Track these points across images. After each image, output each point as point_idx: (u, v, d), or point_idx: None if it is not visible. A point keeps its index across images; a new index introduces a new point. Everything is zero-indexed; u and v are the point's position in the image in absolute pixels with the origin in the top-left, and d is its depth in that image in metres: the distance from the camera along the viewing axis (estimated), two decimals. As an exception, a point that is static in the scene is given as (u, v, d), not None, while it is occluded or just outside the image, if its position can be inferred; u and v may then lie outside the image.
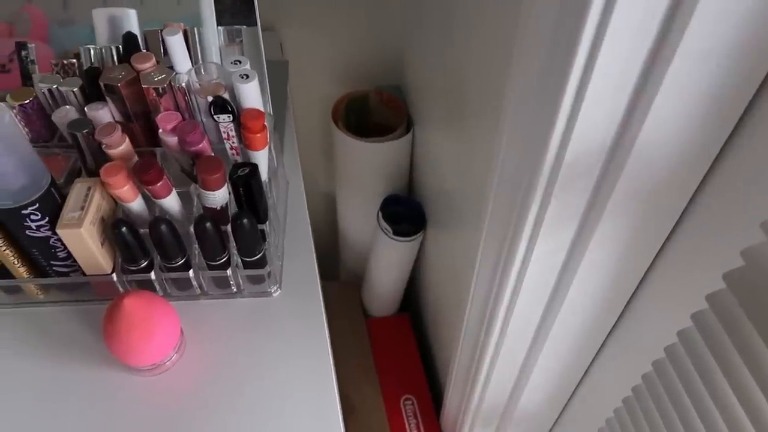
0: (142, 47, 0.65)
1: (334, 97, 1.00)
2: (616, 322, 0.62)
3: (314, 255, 0.68)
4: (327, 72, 1.02)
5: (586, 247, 0.51)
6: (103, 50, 0.66)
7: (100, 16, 0.67)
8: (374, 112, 1.04)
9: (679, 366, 0.47)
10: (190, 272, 0.59)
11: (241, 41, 0.67)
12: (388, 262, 1.05)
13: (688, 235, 0.49)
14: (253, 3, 0.62)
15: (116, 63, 0.66)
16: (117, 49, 0.66)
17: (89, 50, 0.66)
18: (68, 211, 0.54)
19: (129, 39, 0.64)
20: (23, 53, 0.66)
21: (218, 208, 0.58)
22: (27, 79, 0.66)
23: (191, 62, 0.61)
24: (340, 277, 1.30)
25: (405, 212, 1.02)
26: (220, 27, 0.65)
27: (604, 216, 0.48)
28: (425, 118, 0.92)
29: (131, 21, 0.67)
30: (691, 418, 0.46)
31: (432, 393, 1.08)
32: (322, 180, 1.19)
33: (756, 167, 0.39)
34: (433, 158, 0.91)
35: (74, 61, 0.65)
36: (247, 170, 0.57)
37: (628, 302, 0.59)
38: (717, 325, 0.40)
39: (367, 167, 1.00)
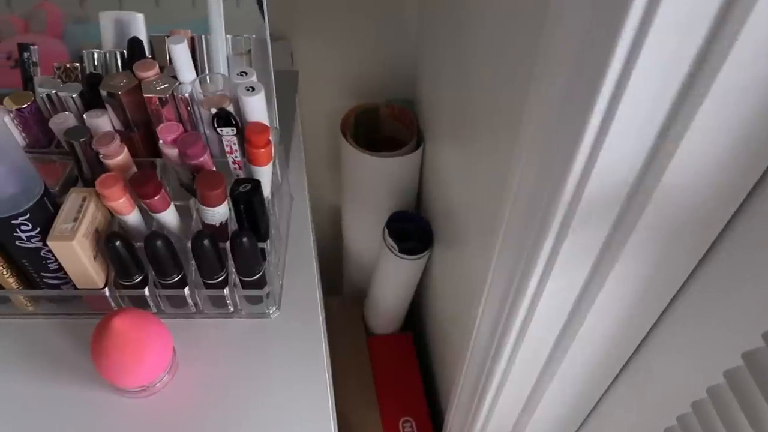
0: (147, 53, 0.63)
1: (344, 109, 0.98)
2: (631, 356, 0.60)
3: (316, 274, 0.66)
4: (337, 83, 1.00)
5: (602, 284, 0.48)
6: (107, 55, 0.64)
7: (106, 19, 0.65)
8: (384, 125, 1.02)
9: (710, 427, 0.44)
10: (186, 290, 0.57)
11: (250, 51, 0.65)
12: (392, 280, 1.02)
13: (714, 276, 0.46)
14: (264, 12, 0.60)
15: (120, 68, 0.64)
16: (122, 54, 0.64)
17: (93, 54, 0.64)
18: (61, 223, 0.52)
19: (134, 44, 0.62)
20: (25, 55, 0.64)
21: (218, 224, 0.56)
22: (28, 81, 0.65)
23: (197, 71, 0.59)
24: (343, 291, 1.28)
25: (412, 229, 0.99)
26: (228, 35, 0.63)
27: (623, 253, 0.45)
28: (436, 134, 0.90)
29: (138, 25, 0.65)
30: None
31: (432, 415, 1.05)
32: (328, 192, 1.17)
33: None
34: (444, 176, 0.88)
35: (77, 64, 0.64)
36: (248, 187, 0.54)
37: (646, 338, 0.57)
38: (753, 388, 0.37)
39: (374, 182, 0.98)
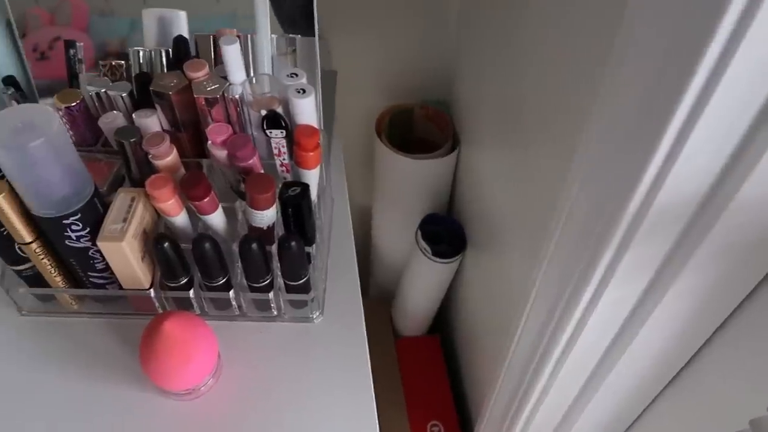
0: (192, 52, 0.63)
1: (378, 109, 0.97)
2: (681, 369, 0.58)
3: (358, 278, 0.65)
4: (373, 82, 0.98)
5: (659, 299, 0.47)
6: (152, 53, 0.63)
7: (149, 17, 0.65)
8: (417, 126, 1.01)
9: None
10: (231, 293, 0.57)
11: (295, 50, 0.65)
12: (423, 283, 1.02)
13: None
14: (313, 13, 0.60)
15: (165, 67, 0.63)
16: (167, 52, 0.63)
17: (138, 53, 0.63)
18: (110, 223, 0.52)
19: (179, 43, 0.62)
20: (71, 52, 0.64)
21: (265, 228, 0.55)
22: (74, 78, 0.64)
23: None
24: (369, 293, 1.27)
25: (444, 232, 0.98)
26: (273, 36, 0.63)
27: (687, 268, 0.44)
28: (474, 136, 0.89)
29: (181, 23, 0.65)
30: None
31: (460, 419, 1.04)
32: (359, 192, 1.16)
33: None
34: (481, 179, 0.87)
35: (122, 62, 0.63)
36: (297, 190, 0.54)
37: (699, 352, 0.55)
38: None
39: (408, 184, 0.97)
